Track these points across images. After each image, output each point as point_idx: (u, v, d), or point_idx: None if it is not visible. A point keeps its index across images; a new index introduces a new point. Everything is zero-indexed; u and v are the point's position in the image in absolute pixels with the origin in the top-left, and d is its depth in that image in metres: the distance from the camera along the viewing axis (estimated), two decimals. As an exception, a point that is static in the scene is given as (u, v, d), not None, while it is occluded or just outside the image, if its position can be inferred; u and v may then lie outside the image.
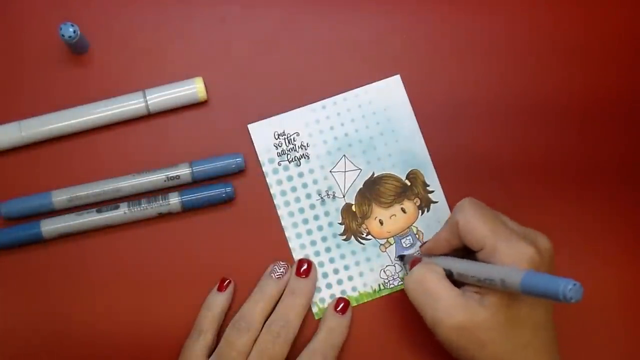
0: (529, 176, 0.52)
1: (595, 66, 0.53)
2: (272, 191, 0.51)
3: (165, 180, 0.50)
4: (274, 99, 0.52)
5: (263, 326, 0.47)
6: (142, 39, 0.52)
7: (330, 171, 0.51)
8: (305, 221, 0.51)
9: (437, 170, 0.52)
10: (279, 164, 0.51)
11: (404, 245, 0.51)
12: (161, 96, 0.50)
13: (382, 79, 0.52)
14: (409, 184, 0.51)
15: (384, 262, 0.51)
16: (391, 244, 0.51)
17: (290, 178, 0.51)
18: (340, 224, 0.51)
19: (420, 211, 0.51)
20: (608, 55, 0.53)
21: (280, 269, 0.49)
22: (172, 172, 0.50)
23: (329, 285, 0.51)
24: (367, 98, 0.52)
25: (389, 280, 0.51)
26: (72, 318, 0.49)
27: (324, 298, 0.50)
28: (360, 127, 0.52)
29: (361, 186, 0.51)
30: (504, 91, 0.52)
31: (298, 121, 0.52)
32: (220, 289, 0.49)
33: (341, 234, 0.51)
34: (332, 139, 0.52)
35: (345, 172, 0.51)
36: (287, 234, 0.51)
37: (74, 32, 0.48)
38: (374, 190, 0.51)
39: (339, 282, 0.51)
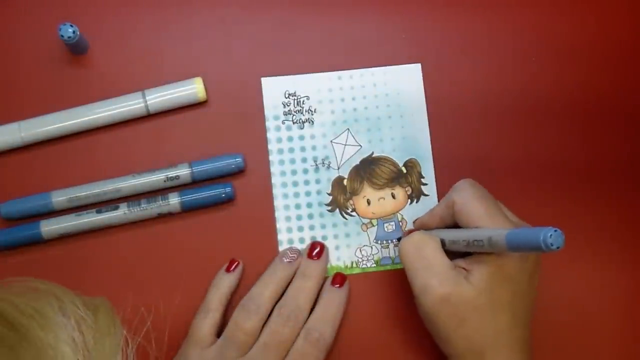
0: (528, 178, 0.52)
1: (597, 67, 0.53)
2: (269, 147, 0.51)
3: (165, 181, 0.50)
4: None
5: (272, 309, 0.47)
6: (141, 40, 0.52)
7: (331, 141, 0.52)
8: (295, 184, 0.51)
9: (435, 164, 0.52)
10: (283, 123, 0.51)
11: (386, 230, 0.51)
12: (161, 96, 0.50)
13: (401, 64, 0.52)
14: (404, 171, 0.52)
15: (362, 241, 0.51)
16: (373, 226, 0.51)
17: (290, 138, 0.51)
18: (328, 194, 0.51)
19: (409, 200, 0.52)
20: (608, 55, 0.53)
21: (291, 254, 0.49)
22: (172, 173, 0.50)
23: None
24: (384, 79, 0.52)
25: (362, 260, 0.51)
26: (72, 318, 0.49)
27: None
28: (370, 106, 0.52)
29: (357, 163, 0.52)
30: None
31: (311, 85, 0.52)
32: (228, 270, 0.49)
33: (327, 204, 0.51)
34: (341, 110, 0.52)
35: (345, 145, 0.52)
36: (274, 191, 0.51)
37: (74, 32, 0.48)
38: (369, 170, 0.52)
39: None
